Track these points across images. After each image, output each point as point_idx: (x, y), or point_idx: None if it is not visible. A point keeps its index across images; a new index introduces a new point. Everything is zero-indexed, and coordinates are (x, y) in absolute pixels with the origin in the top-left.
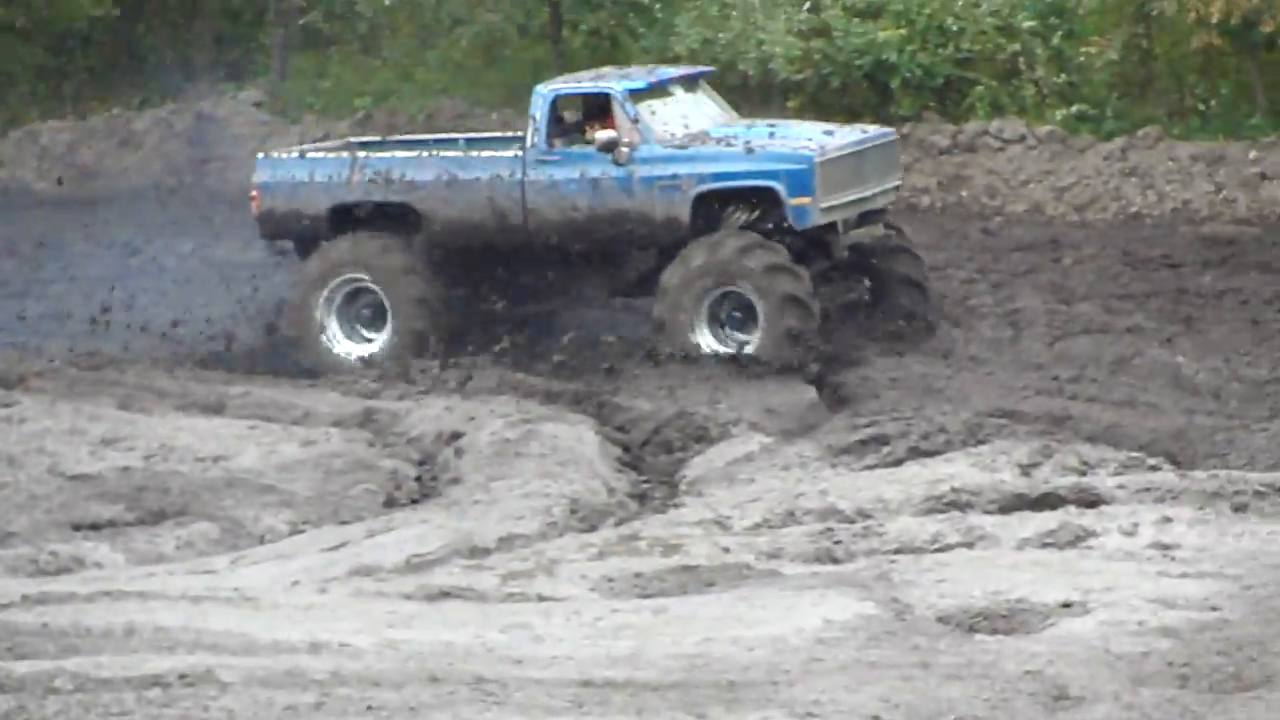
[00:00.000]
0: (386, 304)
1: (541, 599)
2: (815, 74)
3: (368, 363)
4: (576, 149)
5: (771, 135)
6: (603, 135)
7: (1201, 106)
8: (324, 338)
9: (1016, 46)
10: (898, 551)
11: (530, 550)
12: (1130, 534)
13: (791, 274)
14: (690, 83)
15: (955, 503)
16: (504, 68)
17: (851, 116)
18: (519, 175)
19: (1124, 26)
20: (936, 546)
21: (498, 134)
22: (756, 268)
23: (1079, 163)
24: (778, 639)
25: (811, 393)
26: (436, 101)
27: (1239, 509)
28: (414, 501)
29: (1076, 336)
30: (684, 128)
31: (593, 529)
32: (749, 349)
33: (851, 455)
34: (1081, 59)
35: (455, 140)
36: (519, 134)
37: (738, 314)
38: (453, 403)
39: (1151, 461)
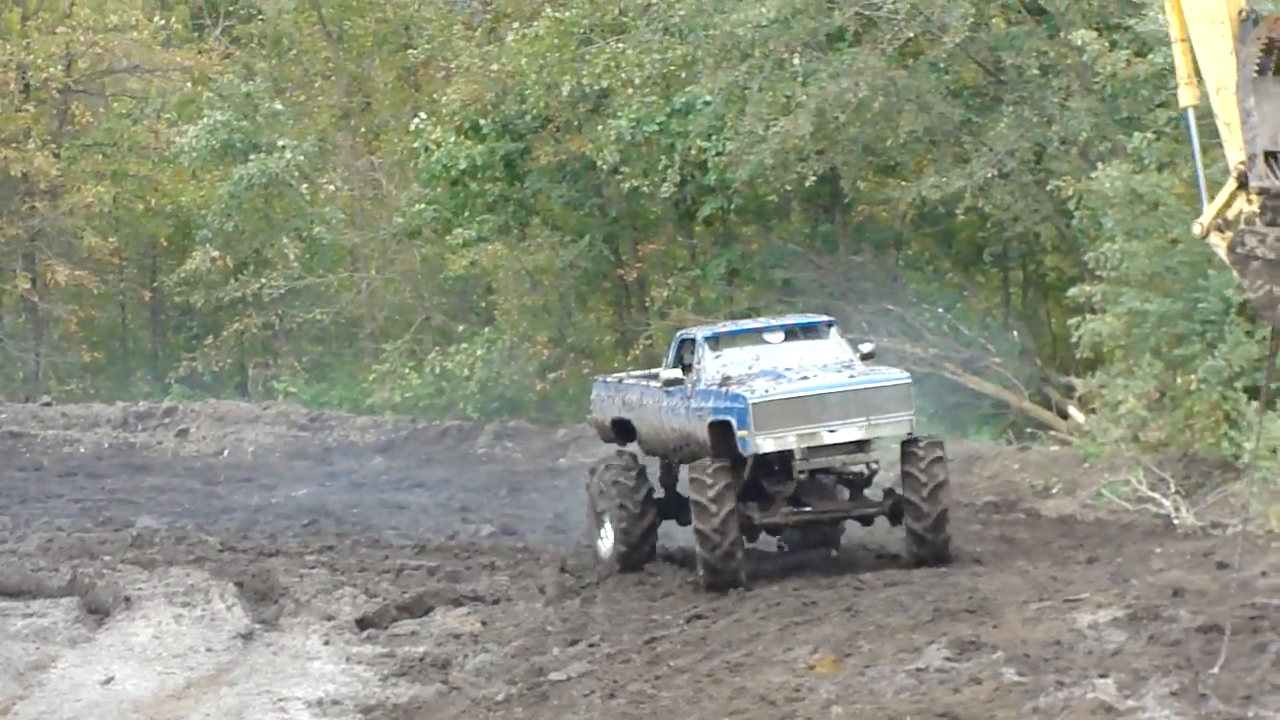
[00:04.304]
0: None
1: None
2: None
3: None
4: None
5: (776, 377)
6: (667, 374)
7: None
8: (599, 535)
9: None
10: None
11: None
12: None
13: (703, 509)
14: (798, 331)
15: None
16: None
17: None
18: (662, 400)
19: None
20: None
21: None
22: (694, 497)
23: None
24: None
25: None
26: None
27: None
28: None
29: None
30: (747, 369)
31: None
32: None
33: None
34: None
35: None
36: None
37: None
38: None
39: None
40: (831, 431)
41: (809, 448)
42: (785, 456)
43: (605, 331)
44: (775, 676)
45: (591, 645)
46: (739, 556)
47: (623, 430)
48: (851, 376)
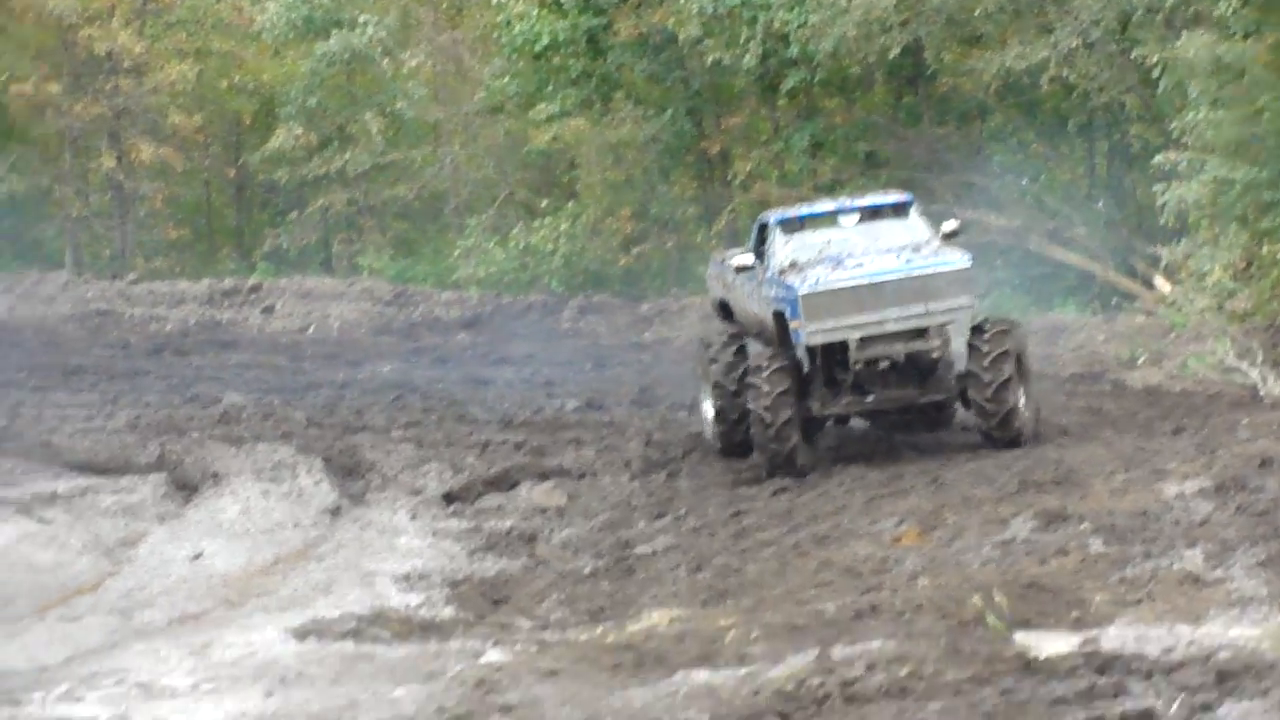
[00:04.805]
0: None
1: None
2: None
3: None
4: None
5: (835, 265)
6: (738, 259)
7: None
8: (702, 413)
9: None
10: None
11: None
12: None
13: (756, 390)
14: (876, 212)
15: None
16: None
17: None
18: (745, 285)
19: None
20: None
21: None
22: (749, 380)
23: None
24: None
25: None
26: None
27: None
28: None
29: None
30: (817, 253)
31: None
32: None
33: None
34: None
35: None
36: None
37: None
38: None
39: None
40: (888, 320)
41: (863, 338)
42: (844, 346)
43: (689, 205)
44: (861, 549)
45: (677, 519)
46: (794, 439)
47: (727, 310)
48: (909, 262)
